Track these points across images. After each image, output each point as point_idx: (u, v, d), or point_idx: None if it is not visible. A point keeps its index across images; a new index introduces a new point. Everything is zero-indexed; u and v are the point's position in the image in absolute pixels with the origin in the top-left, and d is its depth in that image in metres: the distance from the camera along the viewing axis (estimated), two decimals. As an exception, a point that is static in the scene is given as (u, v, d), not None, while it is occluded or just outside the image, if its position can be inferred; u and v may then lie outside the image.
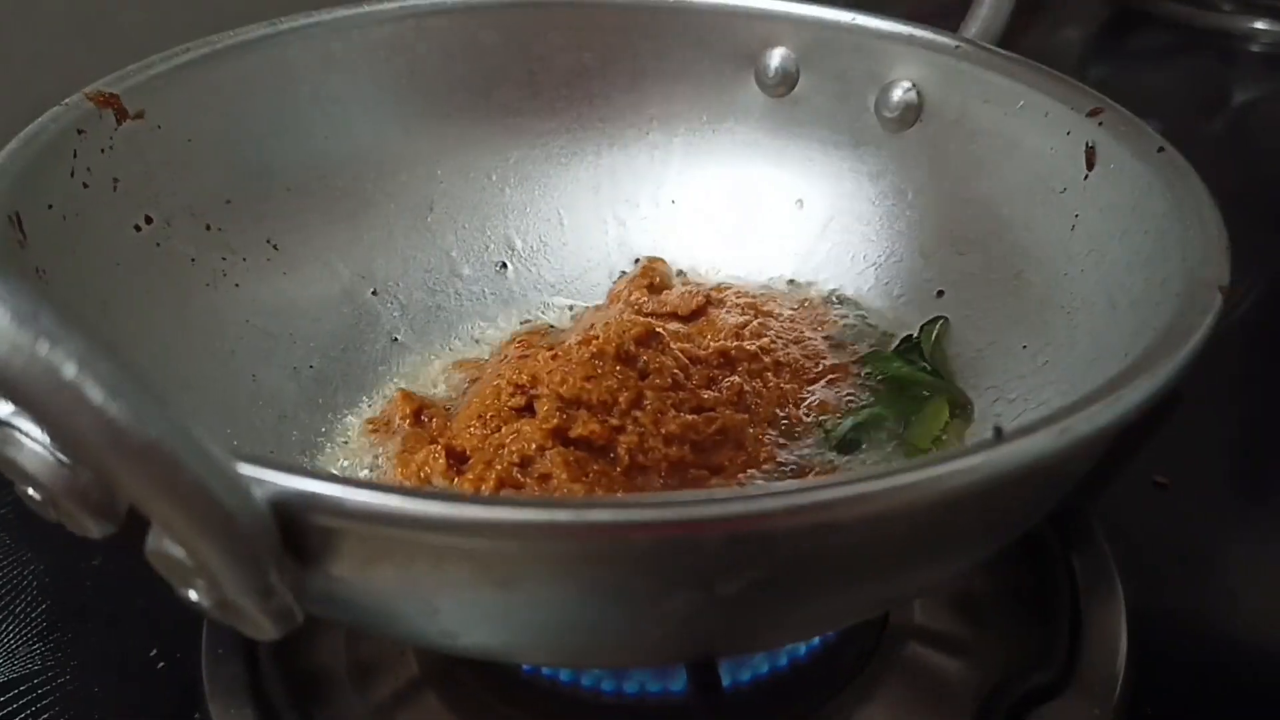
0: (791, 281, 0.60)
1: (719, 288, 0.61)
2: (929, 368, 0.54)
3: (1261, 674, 0.49)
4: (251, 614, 0.28)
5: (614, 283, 0.61)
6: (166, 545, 0.27)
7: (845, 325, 0.58)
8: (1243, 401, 0.65)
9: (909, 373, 0.54)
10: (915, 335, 0.56)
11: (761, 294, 0.60)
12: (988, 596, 0.51)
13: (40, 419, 0.24)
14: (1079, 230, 0.48)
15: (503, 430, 0.47)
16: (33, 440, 0.29)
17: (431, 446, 0.48)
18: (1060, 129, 0.50)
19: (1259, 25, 1.09)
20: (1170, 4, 1.14)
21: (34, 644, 0.50)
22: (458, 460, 0.47)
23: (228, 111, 0.52)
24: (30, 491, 0.30)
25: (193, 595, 0.29)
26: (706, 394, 0.49)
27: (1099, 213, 0.47)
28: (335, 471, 0.50)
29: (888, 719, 0.45)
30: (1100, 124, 0.48)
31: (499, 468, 0.45)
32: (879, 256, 0.58)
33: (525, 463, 0.45)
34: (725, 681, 0.43)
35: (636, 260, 0.62)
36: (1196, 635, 0.50)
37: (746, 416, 0.49)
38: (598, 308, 0.60)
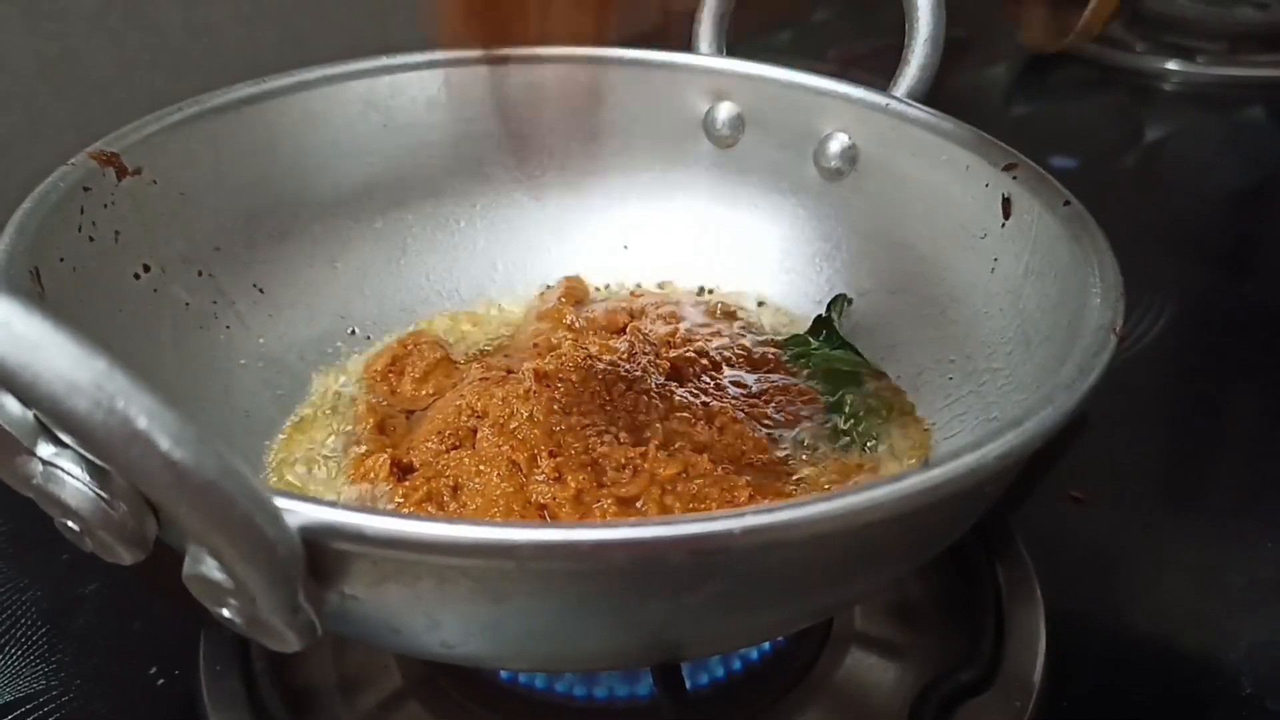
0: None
1: (633, 294, 0.65)
2: (844, 342, 0.60)
3: (1166, 670, 0.53)
4: (279, 629, 0.32)
5: (535, 299, 0.65)
6: (204, 569, 0.31)
7: (753, 319, 0.63)
8: (1151, 421, 0.71)
9: (835, 353, 0.59)
10: (825, 314, 0.61)
11: (674, 301, 0.64)
12: (920, 603, 0.56)
13: (114, 464, 0.28)
14: (997, 274, 0.53)
15: (455, 451, 0.51)
16: (73, 478, 0.33)
17: (380, 454, 0.51)
18: (980, 181, 0.55)
19: (1170, 65, 1.16)
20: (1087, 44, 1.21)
21: (36, 665, 0.53)
22: (403, 470, 0.51)
23: (216, 165, 0.56)
24: (69, 524, 0.34)
25: (225, 613, 0.33)
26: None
27: (1014, 258, 0.52)
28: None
29: (830, 716, 0.50)
30: (1015, 178, 0.53)
31: (433, 486, 0.49)
32: (819, 294, 0.62)
33: (457, 488, 0.49)
34: (688, 684, 0.47)
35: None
36: (1109, 635, 0.55)
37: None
38: (527, 325, 0.63)
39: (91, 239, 0.49)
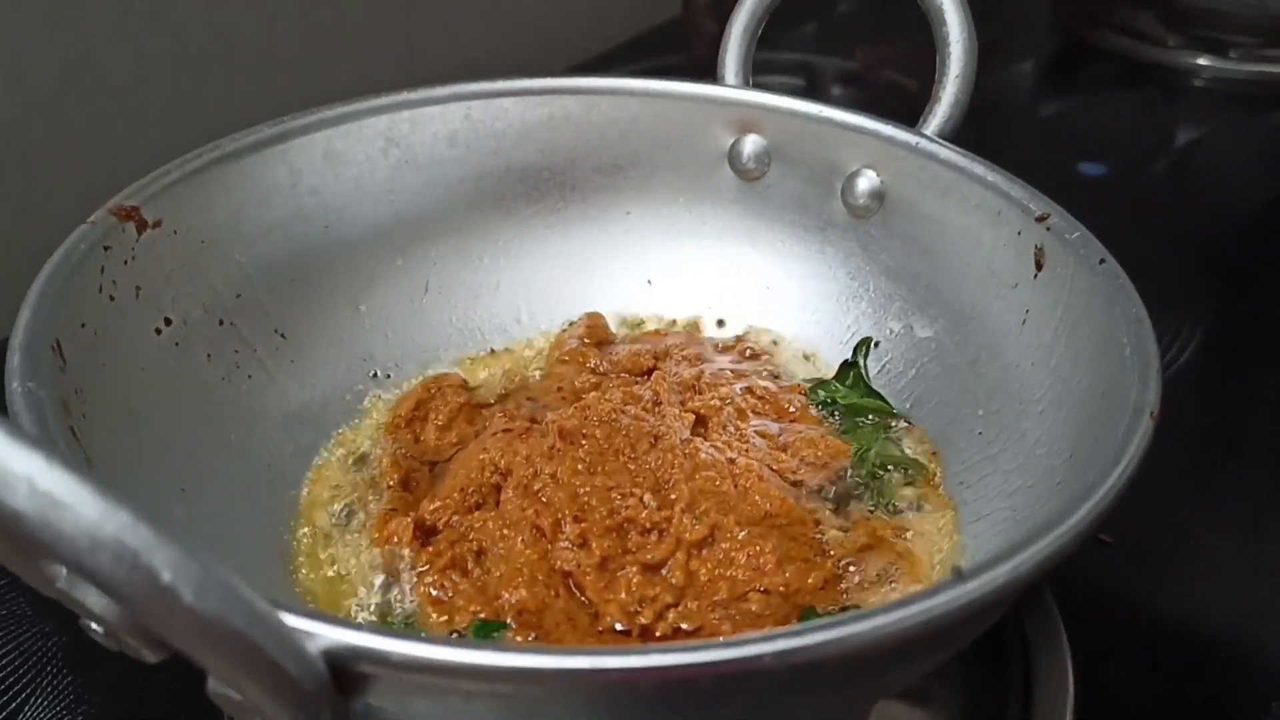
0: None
1: (656, 333, 0.65)
2: (870, 389, 0.59)
3: (1197, 715, 0.54)
4: (304, 744, 0.32)
5: (558, 337, 0.64)
6: (228, 691, 0.31)
7: (778, 360, 0.63)
8: (1179, 455, 0.69)
9: (862, 401, 0.59)
10: (851, 359, 0.61)
11: (699, 341, 0.64)
12: (947, 653, 0.55)
13: (139, 615, 0.28)
14: (1029, 325, 0.52)
15: (479, 511, 0.51)
16: (98, 582, 0.33)
17: (403, 518, 0.51)
18: (1012, 228, 0.54)
19: (1202, 61, 1.14)
20: (1117, 38, 1.19)
21: (64, 717, 0.53)
22: (425, 534, 0.51)
23: (236, 211, 0.56)
24: (94, 626, 0.34)
25: (250, 727, 0.33)
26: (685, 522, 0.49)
27: (1047, 311, 0.51)
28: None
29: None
30: (1048, 229, 0.52)
31: (457, 551, 0.49)
32: (845, 335, 0.62)
33: (481, 553, 0.49)
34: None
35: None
36: (1139, 682, 0.55)
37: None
38: (550, 368, 0.62)
39: (112, 298, 0.49)
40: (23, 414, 0.39)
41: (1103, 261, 0.49)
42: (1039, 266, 0.52)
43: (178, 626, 0.27)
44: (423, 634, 0.46)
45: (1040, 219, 0.52)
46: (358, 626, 0.31)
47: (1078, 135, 1.03)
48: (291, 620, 0.31)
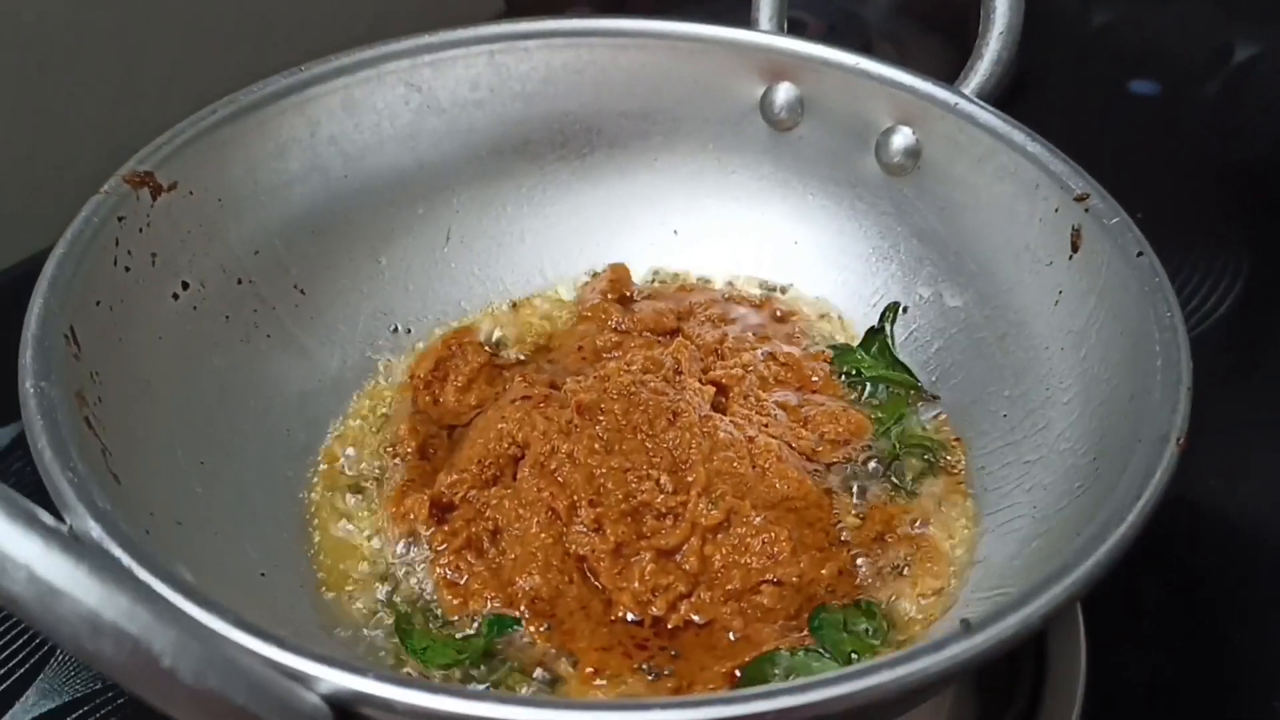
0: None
1: (681, 288, 0.63)
2: (896, 359, 0.58)
3: (1208, 700, 0.54)
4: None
5: (581, 289, 0.63)
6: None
7: (803, 320, 0.61)
8: (1214, 424, 0.66)
9: (887, 373, 0.58)
10: (877, 326, 0.60)
11: (723, 298, 0.62)
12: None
13: (141, 695, 0.28)
14: (1061, 307, 0.51)
15: (495, 488, 0.50)
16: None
17: (420, 495, 0.51)
18: (1049, 204, 0.52)
19: (1266, -35, 1.08)
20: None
21: (85, 670, 0.55)
22: (442, 509, 0.51)
23: (253, 166, 0.54)
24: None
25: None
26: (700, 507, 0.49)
27: (1080, 295, 0.50)
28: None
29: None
30: (1087, 210, 0.50)
31: (473, 531, 0.49)
32: (874, 297, 0.60)
33: (497, 532, 0.49)
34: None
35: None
36: (1151, 667, 0.55)
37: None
38: (571, 327, 0.61)
39: (128, 269, 0.48)
40: (34, 416, 0.39)
41: (1140, 254, 0.47)
42: (1075, 248, 0.50)
43: (179, 706, 0.27)
44: (434, 622, 0.47)
45: (1079, 198, 0.50)
46: (362, 672, 0.31)
47: (1130, 50, 0.99)
48: (296, 663, 0.31)
